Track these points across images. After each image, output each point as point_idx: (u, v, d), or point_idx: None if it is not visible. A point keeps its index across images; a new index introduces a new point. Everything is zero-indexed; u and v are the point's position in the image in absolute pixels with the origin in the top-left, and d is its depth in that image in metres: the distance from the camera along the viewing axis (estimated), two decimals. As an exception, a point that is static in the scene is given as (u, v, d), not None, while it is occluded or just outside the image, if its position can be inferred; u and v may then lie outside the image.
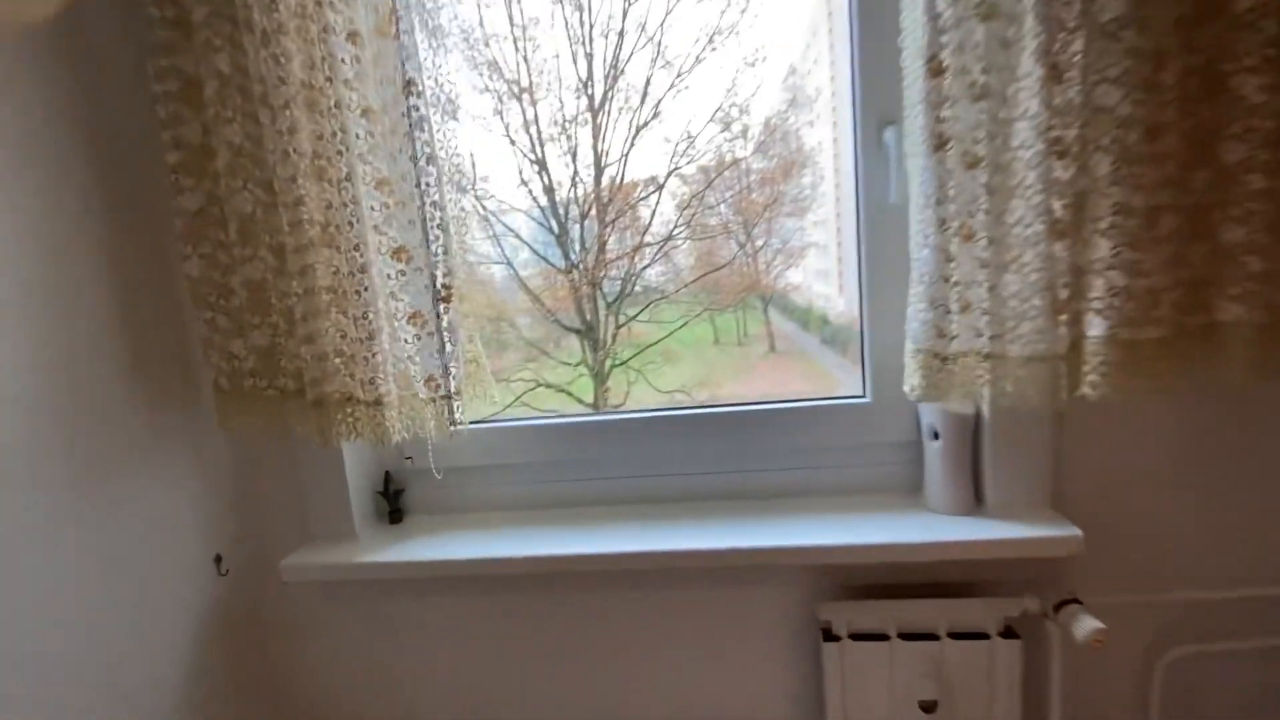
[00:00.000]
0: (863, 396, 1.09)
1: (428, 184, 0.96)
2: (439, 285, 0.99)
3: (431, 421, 1.03)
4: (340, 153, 0.93)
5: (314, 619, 1.22)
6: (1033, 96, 0.80)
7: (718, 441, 1.12)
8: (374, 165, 0.95)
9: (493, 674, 1.19)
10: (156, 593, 1.04)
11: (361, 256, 0.95)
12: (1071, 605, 0.94)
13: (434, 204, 0.95)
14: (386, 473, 1.21)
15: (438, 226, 0.96)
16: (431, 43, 0.97)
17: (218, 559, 1.14)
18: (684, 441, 1.13)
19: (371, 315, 0.96)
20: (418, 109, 0.94)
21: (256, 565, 1.19)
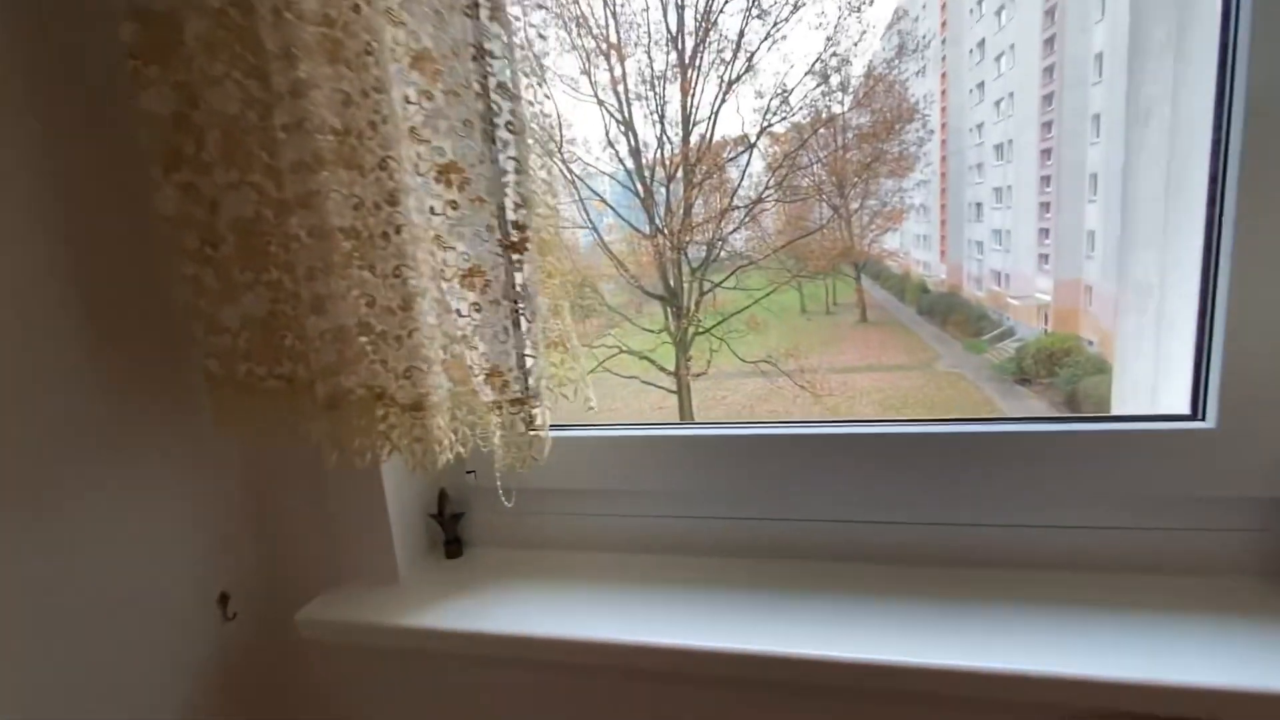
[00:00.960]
0: (1197, 419, 0.66)
1: (491, 58, 0.59)
2: (509, 225, 0.63)
3: (498, 435, 0.69)
4: (357, 8, 0.58)
5: (347, 680, 0.92)
6: None
7: (938, 475, 0.72)
8: (409, 28, 0.59)
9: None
10: (141, 642, 0.76)
11: (391, 178, 0.60)
12: None
13: (501, 88, 0.59)
14: (442, 490, 0.89)
15: (508, 128, 0.60)
16: None
17: (223, 599, 0.86)
18: (878, 473, 0.74)
19: (407, 271, 0.62)
20: (477, -75, 0.57)
21: (274, 607, 0.90)
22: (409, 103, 0.59)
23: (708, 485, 0.80)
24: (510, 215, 0.61)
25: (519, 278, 0.63)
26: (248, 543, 0.89)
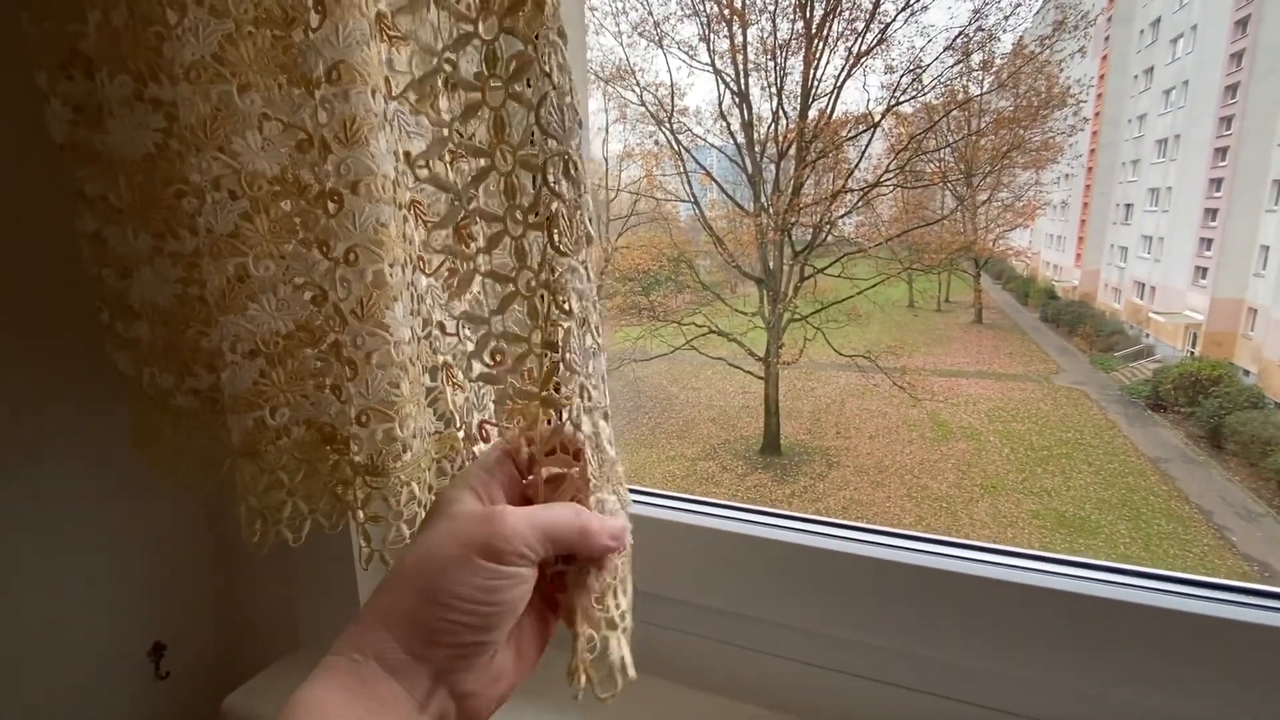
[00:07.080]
0: None
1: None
2: (537, 187, 0.36)
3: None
4: None
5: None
6: None
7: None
8: None
9: None
10: (43, 704, 0.58)
11: (345, 97, 0.35)
12: None
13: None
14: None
15: None
16: None
17: (156, 650, 0.66)
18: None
19: (368, 255, 0.37)
20: None
21: (218, 669, 0.70)
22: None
23: (853, 622, 0.52)
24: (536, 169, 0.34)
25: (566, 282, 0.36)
26: (199, 579, 0.69)
